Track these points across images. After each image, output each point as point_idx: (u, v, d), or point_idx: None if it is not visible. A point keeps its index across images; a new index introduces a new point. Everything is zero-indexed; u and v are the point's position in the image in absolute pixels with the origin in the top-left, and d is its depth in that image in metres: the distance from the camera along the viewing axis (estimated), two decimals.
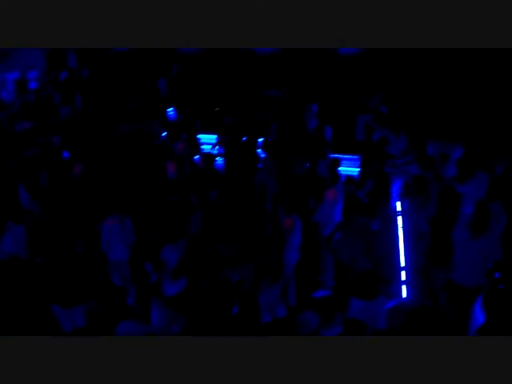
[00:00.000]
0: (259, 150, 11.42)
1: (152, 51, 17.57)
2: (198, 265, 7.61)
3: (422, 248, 8.08)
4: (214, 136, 12.65)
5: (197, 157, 10.97)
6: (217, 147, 12.30)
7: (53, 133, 12.26)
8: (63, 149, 11.73)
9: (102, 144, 11.48)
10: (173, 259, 7.33)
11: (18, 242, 8.20)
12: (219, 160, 11.37)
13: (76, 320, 6.86)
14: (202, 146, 11.38)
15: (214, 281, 7.18)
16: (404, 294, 8.09)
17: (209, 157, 10.76)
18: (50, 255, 7.65)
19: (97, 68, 17.82)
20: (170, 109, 14.38)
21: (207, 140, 12.42)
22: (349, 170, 11.07)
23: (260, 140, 11.85)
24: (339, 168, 9.55)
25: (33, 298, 7.34)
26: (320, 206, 8.56)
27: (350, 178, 10.68)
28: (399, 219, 8.57)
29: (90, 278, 7.43)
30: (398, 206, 9.00)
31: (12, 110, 15.16)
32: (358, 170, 11.01)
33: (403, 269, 8.35)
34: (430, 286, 7.80)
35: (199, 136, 11.72)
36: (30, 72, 18.67)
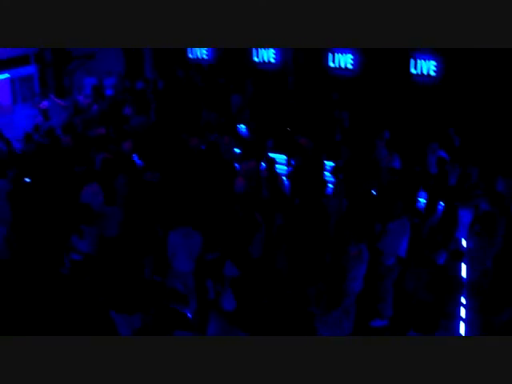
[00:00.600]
0: (328, 174, 11.40)
1: (228, 65, 17.84)
2: (259, 282, 7.62)
3: (486, 284, 7.91)
4: (284, 156, 12.69)
5: (265, 175, 11.01)
6: (286, 167, 12.35)
7: (124, 139, 12.53)
8: (134, 155, 11.99)
9: (173, 155, 11.63)
10: (234, 274, 7.37)
11: (91, 242, 8.43)
12: (287, 180, 11.39)
13: (134, 326, 6.95)
14: (272, 165, 11.41)
15: (274, 298, 7.18)
16: (462, 330, 7.94)
17: (277, 176, 10.79)
18: (116, 259, 7.81)
19: (172, 80, 18.12)
20: (243, 125, 14.52)
21: (277, 159, 12.47)
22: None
23: (330, 163, 11.84)
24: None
25: (95, 301, 7.49)
26: (385, 234, 8.46)
27: (416, 210, 10.53)
28: (465, 254, 8.41)
29: (152, 286, 7.56)
30: (465, 241, 8.83)
31: (87, 115, 15.56)
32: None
33: (464, 305, 8.19)
34: (491, 324, 7.62)
35: (270, 155, 11.76)
36: (107, 78, 19.16)
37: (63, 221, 9.01)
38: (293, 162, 11.99)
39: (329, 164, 11.93)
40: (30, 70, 21.72)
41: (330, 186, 11.03)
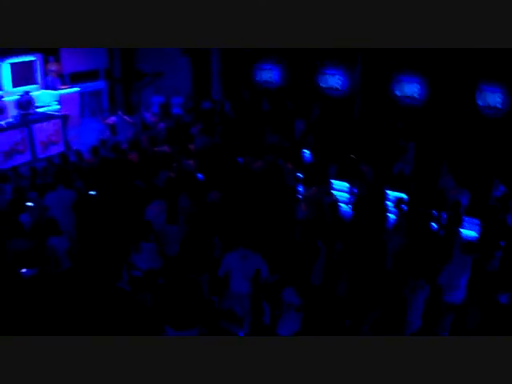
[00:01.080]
0: (390, 204, 11.25)
1: (295, 89, 17.89)
2: (317, 308, 7.55)
3: None
4: (347, 184, 12.59)
5: (326, 202, 10.94)
6: (348, 195, 12.25)
7: (188, 157, 12.65)
8: (198, 174, 12.06)
9: (236, 176, 11.67)
10: (295, 301, 7.33)
11: (151, 257, 8.50)
12: (347, 208, 11.29)
13: None
14: (333, 192, 11.33)
15: (331, 326, 7.09)
16: None
17: (338, 204, 10.70)
18: (175, 276, 7.84)
19: (239, 102, 18.26)
20: (306, 151, 14.49)
21: (339, 187, 12.37)
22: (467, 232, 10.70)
23: (392, 194, 11.69)
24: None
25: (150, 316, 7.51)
26: (447, 269, 8.26)
27: (478, 246, 10.27)
28: None
29: (208, 305, 7.56)
30: None
31: (153, 132, 15.79)
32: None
33: None
34: None
35: (332, 182, 11.68)
36: (175, 97, 19.44)
37: (124, 235, 9.10)
38: (355, 190, 11.88)
39: (392, 194, 11.75)
40: (99, 85, 22.29)
41: (392, 216, 10.88)
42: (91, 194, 10.86)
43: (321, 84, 17.54)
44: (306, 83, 17.92)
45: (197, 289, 7.30)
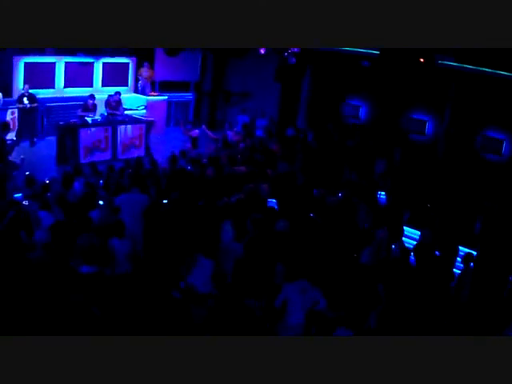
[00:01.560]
0: (459, 259, 10.82)
1: (379, 129, 17.68)
2: None
3: None
4: (417, 232, 12.22)
5: (395, 247, 10.65)
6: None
7: (264, 181, 12.54)
8: (270, 199, 11.93)
9: (309, 208, 11.50)
10: None
11: (203, 276, 8.37)
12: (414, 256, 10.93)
13: None
14: (404, 239, 10.99)
15: None
16: None
17: (406, 251, 10.37)
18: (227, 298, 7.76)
19: (322, 133, 18.14)
20: (382, 192, 14.21)
21: (410, 233, 12.03)
22: None
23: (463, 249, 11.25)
24: None
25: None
26: None
27: None
28: None
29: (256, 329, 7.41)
30: None
31: (233, 151, 15.79)
32: None
33: None
34: None
35: (404, 228, 11.36)
36: (259, 119, 19.47)
37: (186, 247, 9.04)
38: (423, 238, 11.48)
39: (463, 250, 11.31)
40: (188, 96, 22.62)
41: (457, 271, 10.47)
42: (163, 203, 10.86)
43: (405, 127, 17.29)
44: (392, 124, 17.73)
45: (250, 315, 7.17)
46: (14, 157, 13.68)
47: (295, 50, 17.37)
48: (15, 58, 17.88)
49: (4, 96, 16.89)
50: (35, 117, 18.05)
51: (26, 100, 17.08)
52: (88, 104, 17.22)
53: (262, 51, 15.55)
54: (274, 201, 12.05)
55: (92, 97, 17.44)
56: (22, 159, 12.12)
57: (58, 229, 8.23)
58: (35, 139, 17.54)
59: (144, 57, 20.71)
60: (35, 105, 17.50)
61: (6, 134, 14.09)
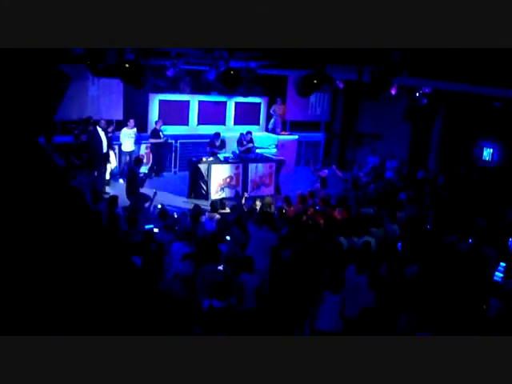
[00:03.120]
0: None
1: None
2: None
3: None
4: None
5: None
6: None
7: (393, 223, 12.27)
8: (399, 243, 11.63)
9: (438, 253, 11.10)
10: None
11: (333, 312, 8.26)
12: None
13: None
14: None
15: None
16: None
17: None
18: None
19: (453, 177, 17.62)
20: None
21: None
22: None
23: None
24: None
25: None
26: None
27: None
28: None
29: None
30: None
31: (362, 193, 15.62)
32: None
33: None
34: None
35: None
36: (389, 161, 19.20)
37: (312, 287, 8.96)
38: None
39: None
40: (318, 137, 22.73)
41: None
42: (291, 242, 10.84)
43: None
44: None
45: None
46: (146, 189, 14.20)
47: (426, 90, 17.07)
48: (151, 96, 18.75)
49: (139, 131, 17.67)
50: (168, 152, 18.79)
51: (161, 134, 17.83)
52: (214, 143, 17.67)
53: (393, 92, 15.35)
54: (400, 244, 11.73)
55: (217, 135, 17.86)
56: (155, 193, 12.54)
57: (193, 260, 8.47)
58: (167, 173, 18.22)
59: (276, 96, 21.10)
60: (169, 140, 18.22)
61: (139, 167, 14.67)
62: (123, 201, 13.18)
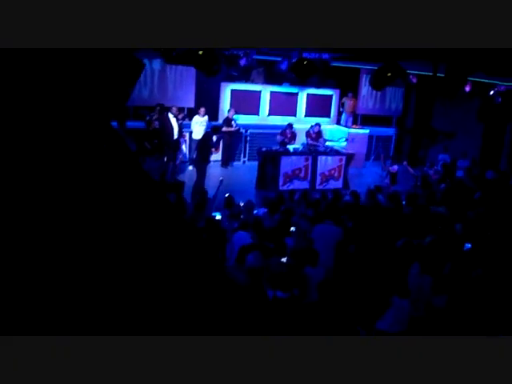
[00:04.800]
0: None
1: None
2: None
3: None
4: None
5: None
6: None
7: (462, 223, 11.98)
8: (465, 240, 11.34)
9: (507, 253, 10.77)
10: None
11: (401, 316, 8.14)
12: None
13: None
14: None
15: None
16: None
17: None
18: None
19: None
20: None
21: None
22: None
23: None
24: None
25: None
26: None
27: None
28: None
29: None
30: None
31: (432, 191, 15.32)
32: None
33: None
34: None
35: None
36: (461, 160, 18.78)
37: (378, 286, 8.83)
38: None
39: None
40: (389, 131, 22.44)
41: None
42: (358, 237, 10.72)
43: None
44: None
45: None
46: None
47: (501, 88, 16.59)
48: (222, 85, 18.86)
49: (210, 120, 17.80)
50: (238, 141, 18.88)
51: (233, 123, 17.94)
52: (286, 133, 17.66)
53: (467, 88, 14.98)
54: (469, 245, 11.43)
55: (290, 126, 17.89)
56: (221, 180, 12.58)
57: (252, 251, 8.45)
58: (236, 163, 18.31)
59: (348, 89, 20.94)
60: (240, 129, 18.29)
61: (216, 133, 14.91)
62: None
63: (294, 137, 18.04)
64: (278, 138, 17.50)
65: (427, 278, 8.85)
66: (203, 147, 14.48)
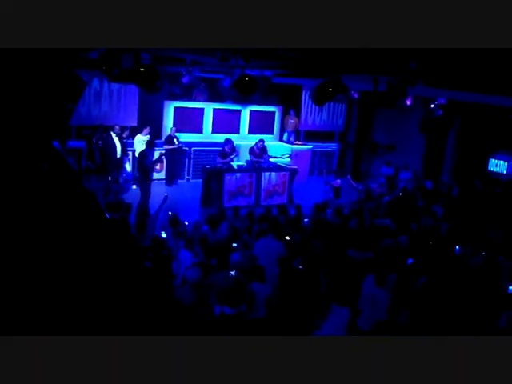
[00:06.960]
0: None
1: None
2: None
3: None
4: None
5: None
6: None
7: (407, 235, 12.21)
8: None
9: (449, 266, 11.01)
10: None
11: (339, 325, 8.20)
12: None
13: None
14: None
15: None
16: None
17: None
18: None
19: (468, 190, 17.52)
20: None
21: None
22: None
23: None
24: None
25: None
26: None
27: None
28: None
29: None
30: None
31: (375, 203, 15.58)
32: None
33: None
34: None
35: None
36: (403, 172, 19.15)
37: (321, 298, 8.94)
38: None
39: None
40: (332, 146, 22.74)
41: None
42: (301, 251, 10.81)
43: None
44: None
45: None
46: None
47: (442, 101, 17.02)
48: (165, 103, 18.83)
49: (153, 138, 17.68)
50: (182, 159, 18.84)
51: (175, 141, 17.90)
52: (225, 150, 17.35)
53: (409, 102, 15.29)
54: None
55: (228, 141, 17.47)
56: (166, 196, 12.50)
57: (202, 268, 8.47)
58: (180, 181, 18.27)
59: (290, 105, 21.14)
60: (183, 146, 18.27)
61: (151, 150, 14.91)
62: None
63: (233, 148, 17.77)
64: (218, 160, 17.24)
65: (382, 291, 8.97)
66: (140, 166, 14.40)
